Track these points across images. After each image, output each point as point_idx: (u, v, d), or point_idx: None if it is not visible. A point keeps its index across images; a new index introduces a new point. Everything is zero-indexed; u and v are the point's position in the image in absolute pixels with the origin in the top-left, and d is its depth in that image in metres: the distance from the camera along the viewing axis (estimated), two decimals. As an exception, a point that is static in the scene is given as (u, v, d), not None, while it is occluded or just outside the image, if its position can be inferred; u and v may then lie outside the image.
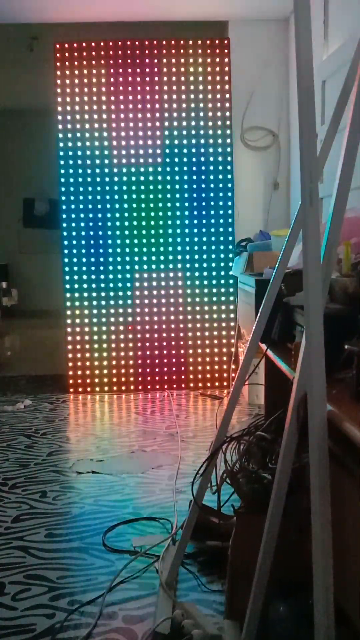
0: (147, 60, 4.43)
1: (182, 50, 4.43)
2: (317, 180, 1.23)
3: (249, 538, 1.56)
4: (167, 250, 4.51)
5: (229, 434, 1.81)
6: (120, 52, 4.42)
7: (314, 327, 1.21)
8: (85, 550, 2.15)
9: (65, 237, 4.50)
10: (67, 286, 4.53)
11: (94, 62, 4.43)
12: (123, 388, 4.58)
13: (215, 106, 4.47)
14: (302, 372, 1.35)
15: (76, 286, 4.52)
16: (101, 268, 4.51)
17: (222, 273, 4.53)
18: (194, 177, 4.49)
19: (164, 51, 4.43)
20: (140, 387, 4.59)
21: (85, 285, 4.52)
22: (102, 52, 4.42)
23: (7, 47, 5.80)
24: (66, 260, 4.51)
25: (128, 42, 4.42)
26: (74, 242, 4.50)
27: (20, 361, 6.11)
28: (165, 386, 4.59)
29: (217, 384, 4.60)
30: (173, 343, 4.57)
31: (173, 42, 4.42)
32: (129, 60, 4.43)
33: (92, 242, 4.50)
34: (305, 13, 1.21)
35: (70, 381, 4.57)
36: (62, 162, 4.48)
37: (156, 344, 4.56)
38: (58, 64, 4.44)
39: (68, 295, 4.53)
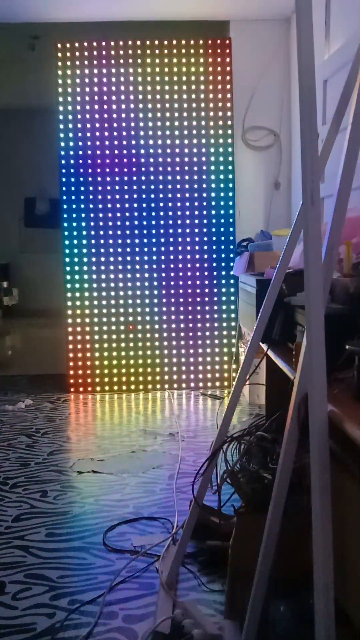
0: (148, 60, 4.43)
1: (183, 50, 4.43)
2: (318, 180, 1.23)
3: (249, 538, 1.56)
4: (168, 250, 4.51)
5: (229, 434, 1.81)
6: (121, 52, 4.42)
7: (315, 327, 1.21)
8: (86, 550, 2.15)
9: (66, 236, 4.50)
10: (68, 285, 4.53)
11: (95, 62, 4.43)
12: (124, 388, 4.58)
13: (216, 106, 4.46)
14: (303, 372, 1.36)
15: (77, 285, 4.52)
16: (102, 267, 4.51)
17: (223, 273, 4.53)
18: (195, 177, 4.49)
19: (165, 51, 4.42)
20: (141, 387, 4.59)
21: (86, 285, 4.52)
22: (103, 52, 4.42)
23: (8, 47, 5.81)
24: (67, 259, 4.51)
25: (129, 42, 4.42)
26: (75, 241, 4.50)
27: (21, 360, 6.12)
28: (166, 386, 4.59)
29: (217, 383, 4.60)
30: (174, 343, 4.57)
31: (174, 41, 4.42)
32: (130, 60, 4.43)
33: (92, 241, 4.50)
34: (306, 12, 1.21)
35: (71, 380, 4.57)
36: (63, 162, 4.48)
37: (157, 343, 4.56)
38: (59, 63, 4.44)
39: (69, 294, 4.53)
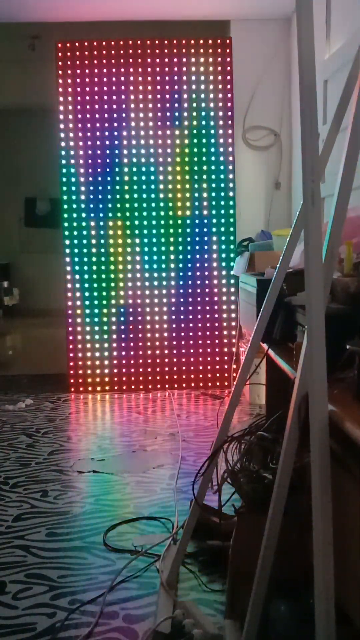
0: (148, 60, 4.43)
1: (184, 50, 4.42)
2: (318, 180, 1.23)
3: (249, 538, 1.56)
4: (168, 249, 4.51)
5: (230, 434, 1.81)
6: (121, 52, 4.42)
7: (315, 326, 1.21)
8: (86, 550, 2.15)
9: (66, 236, 4.50)
10: (68, 285, 4.53)
11: (95, 61, 4.43)
12: (124, 387, 4.58)
13: (216, 105, 4.46)
14: (304, 371, 1.35)
15: (77, 285, 4.52)
16: (102, 267, 4.51)
17: (223, 273, 4.53)
18: (195, 177, 4.49)
19: (166, 50, 4.42)
20: (141, 387, 4.59)
21: (86, 285, 4.52)
22: (104, 52, 4.41)
23: (9, 46, 5.80)
24: (67, 259, 4.51)
25: (130, 42, 4.42)
26: (75, 241, 4.50)
27: (22, 360, 6.12)
28: (167, 386, 4.59)
29: (218, 383, 4.60)
30: (174, 342, 4.56)
31: (175, 41, 4.42)
32: (131, 60, 4.43)
33: (93, 241, 4.50)
34: (307, 12, 1.21)
35: (72, 380, 4.57)
36: (63, 162, 4.48)
37: (157, 343, 4.56)
38: (59, 63, 4.44)
39: (69, 294, 4.53)
